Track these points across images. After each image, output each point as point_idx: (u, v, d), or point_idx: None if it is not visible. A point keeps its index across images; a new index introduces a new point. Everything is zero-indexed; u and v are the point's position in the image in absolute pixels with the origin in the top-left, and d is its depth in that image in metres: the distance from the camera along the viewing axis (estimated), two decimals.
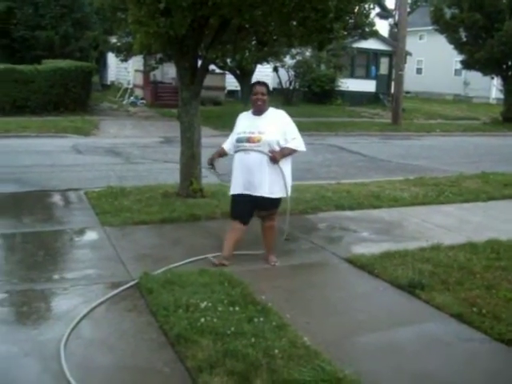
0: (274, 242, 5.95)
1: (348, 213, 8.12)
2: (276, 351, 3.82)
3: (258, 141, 5.51)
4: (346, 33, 9.93)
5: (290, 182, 5.76)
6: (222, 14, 7.51)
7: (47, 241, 6.43)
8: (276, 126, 5.59)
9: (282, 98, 27.15)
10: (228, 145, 5.89)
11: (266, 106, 5.70)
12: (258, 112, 5.69)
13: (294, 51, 24.57)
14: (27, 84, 20.09)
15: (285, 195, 5.73)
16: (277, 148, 5.54)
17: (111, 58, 29.37)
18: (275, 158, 5.51)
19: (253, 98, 5.67)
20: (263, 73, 25.96)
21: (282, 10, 7.31)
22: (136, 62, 26.12)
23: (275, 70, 26.81)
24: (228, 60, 20.17)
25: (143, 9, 7.59)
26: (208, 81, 8.78)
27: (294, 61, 27.09)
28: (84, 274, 5.35)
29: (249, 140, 5.55)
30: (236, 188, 5.68)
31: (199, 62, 8.55)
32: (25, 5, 26.63)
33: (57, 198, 8.58)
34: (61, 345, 3.94)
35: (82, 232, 6.89)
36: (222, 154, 5.94)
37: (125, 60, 23.19)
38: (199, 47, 8.40)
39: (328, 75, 28.93)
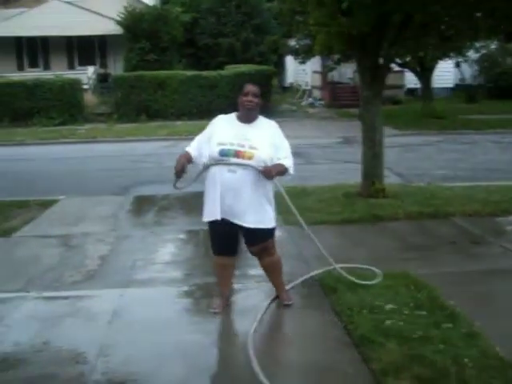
0: (281, 278, 4.81)
1: None
2: (466, 360, 3.63)
3: (249, 158, 4.24)
4: None
5: (273, 210, 4.51)
6: (406, 9, 7.34)
7: None
8: (269, 141, 4.36)
9: (464, 94, 25.87)
10: (195, 151, 4.46)
11: (257, 113, 4.48)
12: (247, 119, 4.43)
13: (477, 45, 23.28)
14: (211, 89, 21.27)
15: (274, 224, 4.52)
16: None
17: (289, 61, 29.98)
18: (270, 172, 4.23)
19: (242, 100, 4.37)
20: (444, 69, 24.91)
21: (468, 1, 6.96)
22: (314, 64, 26.39)
23: (457, 65, 25.62)
24: (408, 57, 19.64)
25: (324, 10, 7.67)
26: (387, 79, 8.62)
27: (478, 55, 25.66)
28: None
29: (237, 155, 4.26)
30: (211, 213, 4.36)
31: (380, 61, 8.43)
32: (208, 15, 28.21)
33: None
34: (248, 339, 4.09)
35: None
36: (189, 161, 4.43)
37: (303, 62, 23.57)
38: (381, 45, 8.28)
39: None
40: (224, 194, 4.27)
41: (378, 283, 4.90)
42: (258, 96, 4.39)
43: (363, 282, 4.87)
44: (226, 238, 4.49)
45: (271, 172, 4.25)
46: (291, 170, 4.42)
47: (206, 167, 4.35)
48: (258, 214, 4.34)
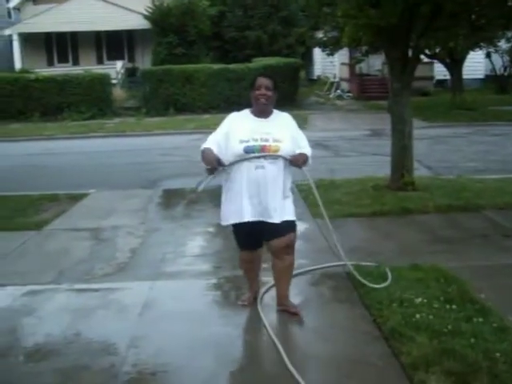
0: (289, 283, 4.52)
1: None
2: (498, 354, 3.58)
3: (275, 151, 4.11)
4: None
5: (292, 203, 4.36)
6: (435, 1, 7.25)
7: None
8: (288, 133, 4.23)
9: (495, 85, 25.45)
10: (215, 148, 4.14)
11: (272, 107, 4.28)
12: (263, 113, 4.24)
13: (509, 34, 22.86)
14: (239, 82, 21.28)
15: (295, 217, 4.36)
16: None
17: (317, 53, 29.79)
18: (298, 160, 4.17)
19: (255, 94, 4.18)
20: (475, 59, 24.52)
21: None
22: (341, 56, 26.19)
23: (488, 55, 25.18)
24: (438, 48, 19.39)
25: (352, 1, 7.61)
26: (416, 71, 8.52)
27: (510, 45, 25.18)
28: (297, 264, 5.50)
29: (264, 150, 4.10)
30: (237, 215, 4.18)
31: (409, 52, 8.34)
32: (235, 7, 28.17)
33: None
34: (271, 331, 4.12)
35: None
36: (214, 157, 4.09)
37: (331, 54, 23.38)
38: (410, 36, 8.18)
39: None
40: (253, 193, 4.11)
41: (387, 285, 4.69)
42: (271, 89, 4.17)
43: (371, 285, 4.68)
44: (251, 235, 4.33)
45: (299, 160, 4.16)
46: (310, 160, 4.30)
47: (230, 165, 4.12)
48: (283, 207, 4.20)
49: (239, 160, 4.10)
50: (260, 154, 4.09)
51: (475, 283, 4.77)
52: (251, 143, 4.09)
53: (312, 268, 5.34)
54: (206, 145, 4.17)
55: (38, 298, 4.93)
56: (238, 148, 4.09)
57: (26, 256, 6.16)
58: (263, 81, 4.18)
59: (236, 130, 4.17)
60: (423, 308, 4.23)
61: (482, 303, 4.35)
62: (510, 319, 4.13)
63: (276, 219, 4.15)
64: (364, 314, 4.39)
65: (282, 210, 4.19)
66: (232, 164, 4.12)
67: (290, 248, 4.31)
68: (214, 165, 4.02)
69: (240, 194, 4.13)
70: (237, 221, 4.21)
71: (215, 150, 4.11)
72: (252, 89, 4.22)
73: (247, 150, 4.08)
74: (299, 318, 4.37)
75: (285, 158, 4.14)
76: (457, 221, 6.90)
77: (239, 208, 4.15)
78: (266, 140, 4.11)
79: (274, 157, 4.11)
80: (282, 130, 4.20)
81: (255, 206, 4.13)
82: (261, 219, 4.16)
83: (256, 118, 4.23)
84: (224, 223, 4.34)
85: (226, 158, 4.13)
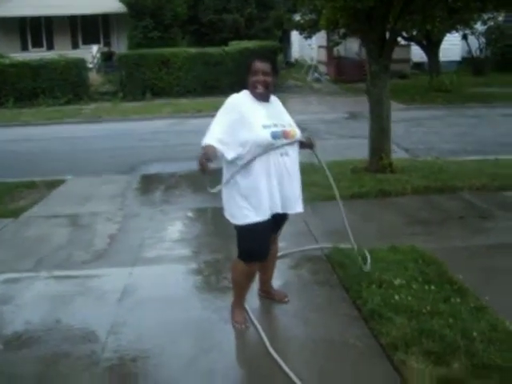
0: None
1: None
2: (475, 334, 3.63)
3: (293, 136, 3.80)
4: None
5: None
6: None
7: None
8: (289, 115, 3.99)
9: (471, 67, 25.63)
10: (219, 144, 3.61)
11: (271, 91, 3.91)
12: (264, 97, 3.86)
13: (485, 16, 22.99)
14: (216, 66, 21.14)
15: None
16: None
17: (294, 36, 29.76)
18: (311, 143, 4.05)
19: (252, 80, 3.79)
20: (451, 42, 24.65)
21: None
22: (319, 39, 26.17)
23: (464, 37, 25.32)
24: (415, 31, 19.44)
25: None
26: (393, 53, 8.54)
27: (485, 27, 25.35)
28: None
29: (285, 135, 3.74)
30: (265, 209, 3.73)
31: (387, 35, 8.34)
32: None
33: None
34: (251, 314, 4.15)
35: None
36: (212, 157, 3.53)
37: (309, 37, 23.37)
38: (387, 19, 8.17)
39: None
40: (282, 182, 3.74)
41: (368, 269, 4.63)
42: (269, 74, 3.79)
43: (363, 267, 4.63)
44: (265, 239, 3.86)
45: (313, 143, 4.04)
46: None
47: (259, 155, 3.67)
48: (300, 196, 3.94)
49: (269, 149, 3.67)
50: (290, 140, 3.77)
51: (453, 264, 4.82)
52: (273, 128, 3.70)
53: (292, 251, 5.36)
54: (207, 140, 3.62)
55: (17, 286, 4.88)
56: (263, 134, 3.65)
57: (2, 244, 6.10)
58: (260, 65, 3.78)
59: (253, 115, 3.71)
60: (402, 289, 4.27)
61: (460, 284, 4.40)
62: (486, 299, 4.19)
63: (299, 208, 3.90)
64: (343, 295, 4.42)
65: (300, 198, 3.93)
66: (260, 155, 3.66)
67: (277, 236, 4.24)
68: (205, 167, 3.44)
69: (264, 186, 3.70)
70: (266, 216, 3.74)
71: (219, 147, 3.59)
72: (248, 74, 3.81)
73: (274, 136, 3.67)
74: (281, 301, 4.38)
75: (302, 142, 3.94)
76: (434, 202, 6.97)
77: (264, 202, 3.71)
78: (283, 125, 3.78)
79: (293, 142, 3.82)
80: (286, 113, 3.94)
81: (281, 198, 3.76)
82: (285, 211, 3.86)
83: (261, 102, 3.83)
84: (240, 222, 3.78)
85: (237, 149, 3.67)
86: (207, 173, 3.47)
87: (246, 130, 3.66)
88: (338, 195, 4.42)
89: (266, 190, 3.70)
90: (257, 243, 3.81)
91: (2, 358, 3.77)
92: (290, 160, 3.79)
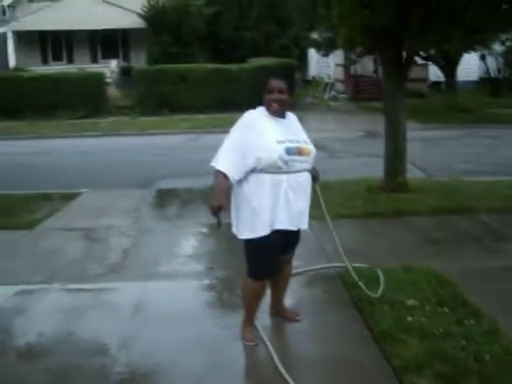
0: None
1: None
2: (488, 357, 3.61)
3: (308, 153, 3.81)
4: None
5: None
6: (429, 4, 7.26)
7: None
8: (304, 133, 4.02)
9: (489, 87, 25.52)
10: (236, 171, 3.70)
11: (286, 109, 3.96)
12: (280, 114, 3.89)
13: (503, 37, 22.96)
14: (233, 82, 21.26)
15: None
16: None
17: (312, 54, 29.85)
18: (316, 176, 4.10)
19: (267, 99, 3.84)
20: (469, 62, 24.59)
21: None
22: (336, 57, 26.25)
23: (482, 58, 25.28)
24: (432, 50, 19.45)
25: (347, 3, 7.61)
26: (410, 72, 8.54)
27: (504, 47, 25.27)
28: None
29: (300, 152, 3.76)
30: (270, 225, 3.75)
31: (403, 54, 8.35)
32: (231, 8, 28.15)
33: None
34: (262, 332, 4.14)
35: None
36: (224, 201, 3.67)
37: (326, 55, 23.47)
38: (404, 38, 8.19)
39: None
40: (292, 199, 3.73)
41: (381, 294, 4.57)
42: (284, 92, 3.84)
43: (369, 294, 4.52)
44: (275, 252, 3.90)
45: (319, 177, 4.10)
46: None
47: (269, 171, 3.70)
48: (307, 213, 3.93)
49: (282, 172, 3.70)
50: (305, 157, 3.79)
51: (467, 286, 4.78)
52: (288, 144, 3.71)
53: (304, 269, 5.34)
54: (219, 167, 3.71)
55: (30, 298, 4.92)
56: (278, 149, 3.66)
57: (17, 255, 6.14)
58: (275, 84, 3.84)
59: (267, 131, 3.76)
60: (415, 310, 4.25)
61: (474, 306, 4.37)
62: (501, 322, 4.15)
63: (305, 224, 3.92)
64: (355, 315, 4.40)
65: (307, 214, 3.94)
66: (272, 171, 3.70)
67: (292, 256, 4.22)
68: (214, 207, 3.61)
69: (270, 202, 3.71)
70: (266, 232, 3.74)
71: (234, 175, 3.68)
72: (265, 92, 3.87)
73: (289, 152, 3.69)
74: (293, 320, 4.36)
75: (312, 171, 3.96)
76: (449, 223, 6.92)
77: (268, 217, 3.72)
78: (298, 141, 3.79)
79: (306, 163, 3.83)
80: (302, 130, 3.97)
81: (291, 214, 3.76)
82: (297, 227, 3.87)
83: (276, 118, 3.86)
84: (245, 236, 3.81)
85: (249, 165, 3.70)
86: (220, 224, 3.66)
87: (259, 145, 3.69)
88: (328, 218, 4.49)
89: (273, 206, 3.71)
90: (263, 258, 3.84)
91: (15, 370, 3.78)
92: (302, 177, 3.80)
